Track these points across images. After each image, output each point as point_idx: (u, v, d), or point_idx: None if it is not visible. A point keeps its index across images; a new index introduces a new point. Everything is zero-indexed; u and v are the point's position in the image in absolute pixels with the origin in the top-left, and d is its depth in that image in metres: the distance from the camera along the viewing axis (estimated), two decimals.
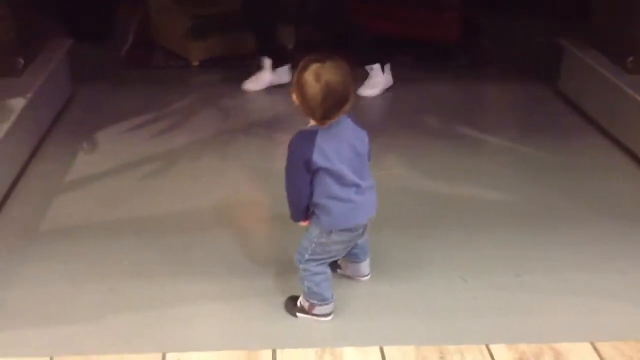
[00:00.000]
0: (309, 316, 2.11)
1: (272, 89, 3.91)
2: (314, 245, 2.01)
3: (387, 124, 3.66)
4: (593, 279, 2.37)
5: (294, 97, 1.89)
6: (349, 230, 1.99)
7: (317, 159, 1.86)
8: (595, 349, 2.02)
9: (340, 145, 1.89)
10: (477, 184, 3.00)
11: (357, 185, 1.95)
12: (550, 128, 3.59)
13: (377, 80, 3.88)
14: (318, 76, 1.81)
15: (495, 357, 1.98)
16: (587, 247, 2.56)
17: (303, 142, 1.88)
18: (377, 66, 3.87)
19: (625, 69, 3.45)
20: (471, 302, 2.25)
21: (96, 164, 3.07)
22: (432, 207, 2.82)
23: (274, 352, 1.98)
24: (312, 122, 1.92)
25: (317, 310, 2.10)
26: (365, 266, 2.28)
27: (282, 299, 2.19)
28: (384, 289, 2.29)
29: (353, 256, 2.23)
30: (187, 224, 2.64)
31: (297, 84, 1.86)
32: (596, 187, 2.99)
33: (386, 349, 2.00)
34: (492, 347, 2.01)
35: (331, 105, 1.83)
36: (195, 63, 4.22)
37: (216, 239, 2.53)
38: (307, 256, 2.03)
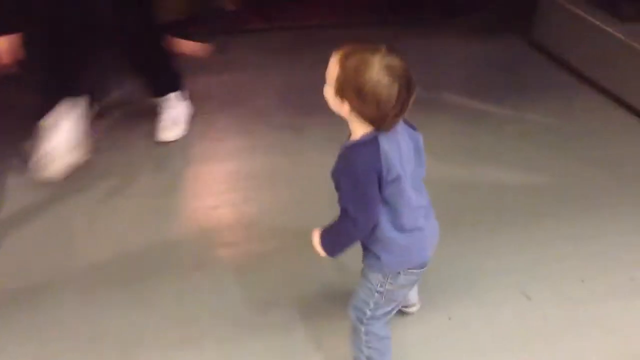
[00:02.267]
0: None
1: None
2: (377, 295, 1.51)
3: None
4: None
5: (346, 107, 1.34)
6: (419, 266, 1.51)
7: (386, 170, 1.35)
8: None
9: (402, 150, 1.39)
10: (493, 164, 2.59)
11: (423, 206, 1.47)
12: (540, 88, 3.21)
13: (178, 113, 2.73)
14: (391, 71, 1.29)
15: None
16: None
17: (366, 152, 1.35)
18: (175, 95, 2.73)
19: (615, 14, 3.12)
20: (543, 324, 1.87)
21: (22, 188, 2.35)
22: (456, 197, 2.37)
23: None
24: (360, 132, 1.38)
25: None
26: (413, 292, 1.82)
27: None
28: (442, 323, 1.86)
29: None
30: (163, 264, 2.05)
31: (360, 90, 1.30)
32: (617, 156, 2.67)
33: None
34: None
35: (407, 97, 1.32)
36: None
37: (209, 281, 1.98)
38: (369, 312, 1.53)
